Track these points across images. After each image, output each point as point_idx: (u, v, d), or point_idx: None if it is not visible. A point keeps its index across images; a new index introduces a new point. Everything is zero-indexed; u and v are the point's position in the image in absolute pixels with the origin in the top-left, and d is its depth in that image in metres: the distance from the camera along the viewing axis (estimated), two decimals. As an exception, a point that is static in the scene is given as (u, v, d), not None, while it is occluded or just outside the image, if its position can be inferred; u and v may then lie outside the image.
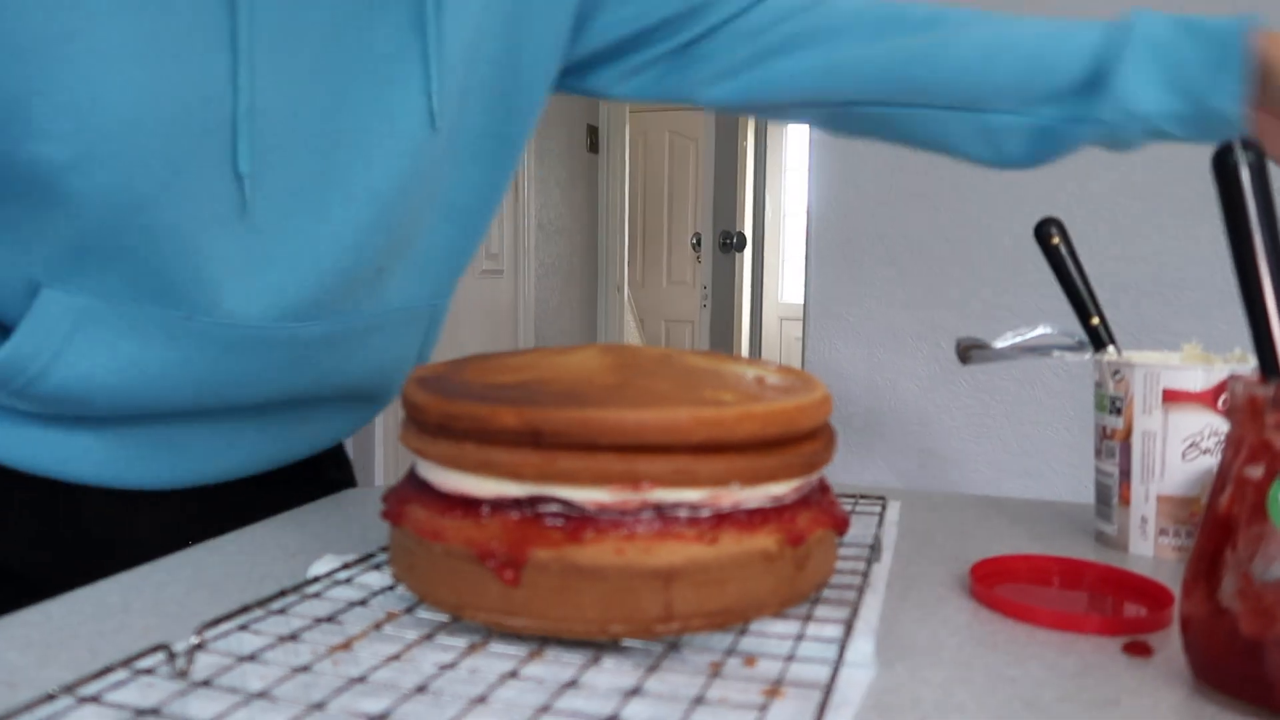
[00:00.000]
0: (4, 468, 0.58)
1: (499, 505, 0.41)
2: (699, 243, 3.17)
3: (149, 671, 0.38)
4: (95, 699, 0.36)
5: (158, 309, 0.54)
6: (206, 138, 0.52)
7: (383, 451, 2.67)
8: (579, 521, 0.40)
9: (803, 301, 1.66)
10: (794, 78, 0.67)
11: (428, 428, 0.44)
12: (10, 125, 0.48)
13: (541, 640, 0.42)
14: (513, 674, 0.39)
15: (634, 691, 0.38)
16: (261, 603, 0.45)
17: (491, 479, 0.41)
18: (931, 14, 0.66)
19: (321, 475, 0.75)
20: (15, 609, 0.47)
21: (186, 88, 0.50)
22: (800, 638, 0.42)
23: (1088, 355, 0.67)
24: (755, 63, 0.68)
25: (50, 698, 0.36)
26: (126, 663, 0.38)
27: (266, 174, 0.54)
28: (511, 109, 0.66)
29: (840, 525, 0.46)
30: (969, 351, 0.69)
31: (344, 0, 0.54)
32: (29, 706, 0.35)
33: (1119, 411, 0.61)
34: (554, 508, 0.40)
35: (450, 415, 0.42)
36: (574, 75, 0.71)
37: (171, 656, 0.39)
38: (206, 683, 0.38)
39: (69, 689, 0.36)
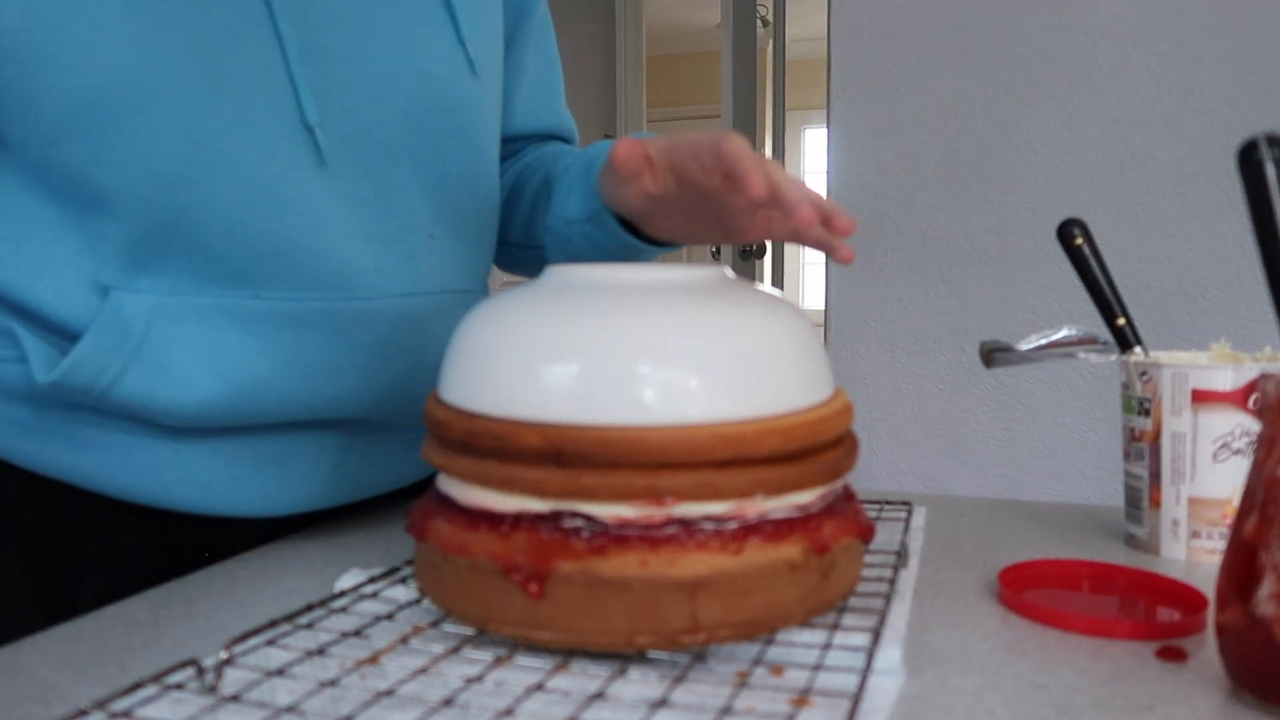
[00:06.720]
0: (107, 497, 0.58)
1: (522, 519, 0.41)
2: (718, 251, 3.17)
3: (179, 687, 0.39)
4: (126, 714, 0.36)
5: (225, 293, 0.55)
6: (258, 94, 0.53)
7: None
8: (603, 534, 0.40)
9: (824, 307, 1.66)
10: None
11: (450, 444, 0.44)
12: (32, 131, 0.50)
13: (567, 653, 0.42)
14: (539, 686, 0.39)
15: (661, 703, 0.37)
16: (289, 617, 0.45)
17: (514, 495, 0.41)
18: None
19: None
20: None
21: (215, 44, 0.52)
22: (828, 646, 0.42)
23: (1114, 356, 0.66)
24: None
25: (82, 713, 0.36)
26: (157, 678, 0.39)
27: (331, 124, 0.56)
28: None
29: (865, 533, 0.46)
30: (993, 354, 0.68)
31: None
32: (62, 723, 0.35)
33: (1147, 413, 0.61)
34: (578, 522, 0.40)
35: (472, 433, 0.42)
36: None
37: (201, 672, 0.39)
38: (235, 698, 0.38)
39: (100, 705, 0.37)
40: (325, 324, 0.58)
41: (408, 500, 0.74)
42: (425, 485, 0.74)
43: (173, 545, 0.61)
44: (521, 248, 0.76)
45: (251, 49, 0.53)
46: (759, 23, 4.09)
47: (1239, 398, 0.58)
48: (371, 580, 0.51)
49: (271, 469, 0.60)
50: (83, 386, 0.53)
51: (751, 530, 0.41)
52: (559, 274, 0.47)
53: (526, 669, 0.41)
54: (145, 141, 0.51)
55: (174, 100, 0.51)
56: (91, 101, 0.50)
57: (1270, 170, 0.39)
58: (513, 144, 0.78)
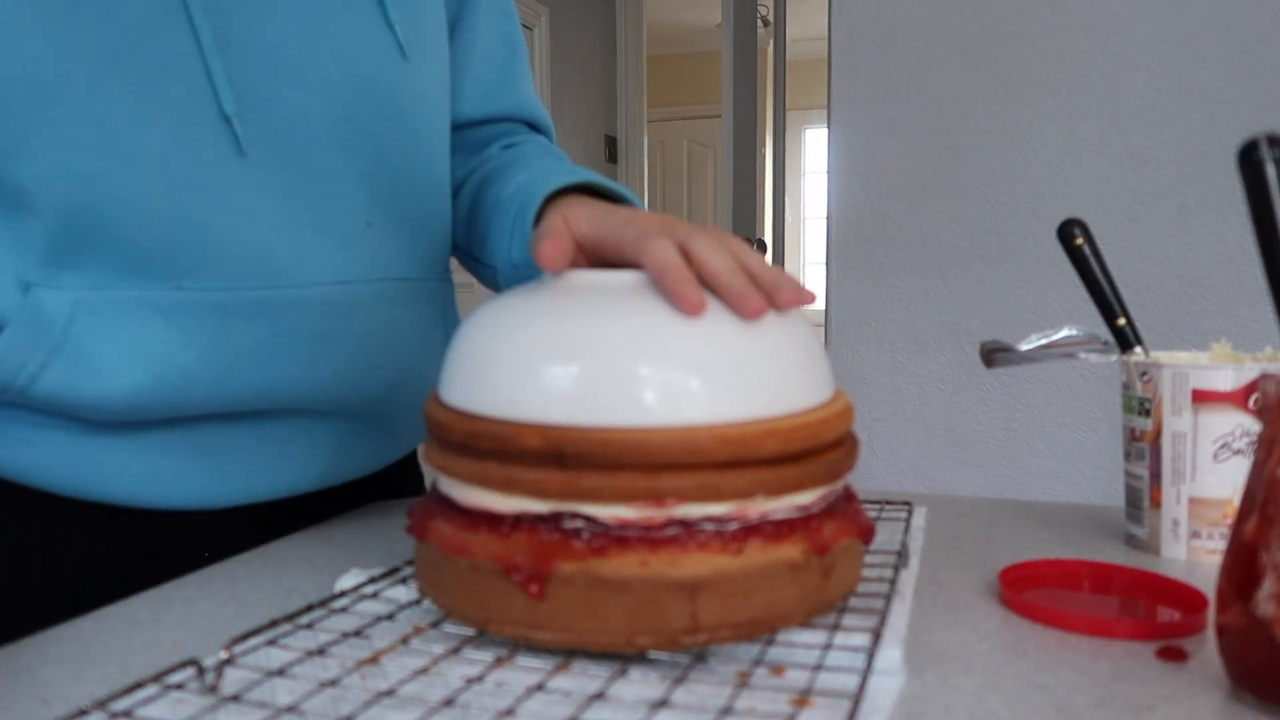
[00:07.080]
0: (47, 493, 0.58)
1: (523, 520, 0.41)
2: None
3: (179, 687, 0.39)
4: (127, 714, 0.36)
5: (147, 285, 0.54)
6: (173, 85, 0.52)
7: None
8: (603, 535, 0.40)
9: (824, 307, 1.66)
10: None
11: (450, 445, 0.44)
12: None
13: (568, 653, 0.42)
14: (539, 687, 0.39)
15: (661, 703, 0.37)
16: (289, 617, 0.45)
17: (515, 496, 0.41)
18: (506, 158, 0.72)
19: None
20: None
21: (118, 35, 0.50)
22: (828, 647, 0.42)
23: (1114, 356, 0.66)
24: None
25: (83, 713, 0.36)
26: (157, 678, 0.39)
27: (251, 114, 0.55)
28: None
29: (865, 534, 0.46)
30: (993, 355, 0.68)
31: None
32: (62, 724, 0.35)
33: (1147, 413, 0.61)
34: (578, 523, 0.40)
35: (473, 434, 0.42)
36: None
37: (201, 672, 0.39)
38: (236, 697, 0.38)
39: (101, 704, 0.37)
40: (250, 313, 0.57)
41: (404, 500, 0.74)
42: (395, 477, 0.74)
43: (133, 541, 0.60)
44: (483, 264, 0.73)
45: (165, 39, 0.52)
46: (759, 23, 4.09)
47: (1239, 398, 0.58)
48: (372, 580, 0.51)
49: (213, 461, 0.60)
50: (1, 384, 0.53)
51: (752, 531, 0.41)
52: (559, 274, 0.47)
53: (527, 669, 0.41)
54: (59, 134, 0.51)
55: (86, 92, 0.51)
56: (1, 96, 0.50)
57: (1270, 170, 0.39)
58: (472, 131, 0.75)
